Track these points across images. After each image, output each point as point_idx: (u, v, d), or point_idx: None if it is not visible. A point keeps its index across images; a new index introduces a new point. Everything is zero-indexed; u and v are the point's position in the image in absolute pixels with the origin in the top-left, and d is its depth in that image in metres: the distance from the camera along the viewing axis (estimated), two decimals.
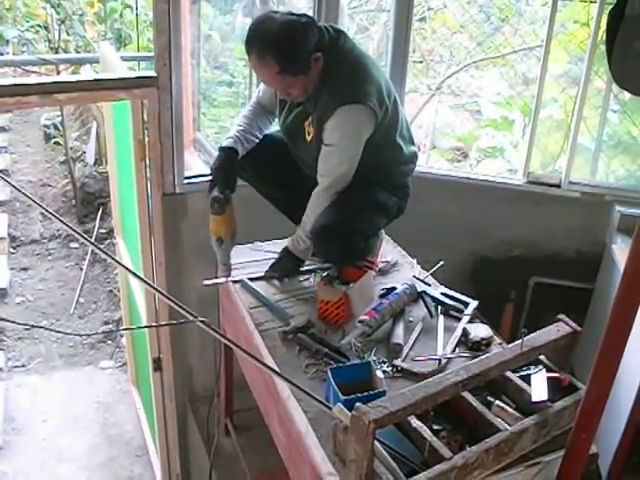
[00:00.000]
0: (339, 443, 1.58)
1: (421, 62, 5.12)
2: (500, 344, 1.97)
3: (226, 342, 1.57)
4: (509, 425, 1.58)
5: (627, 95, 2.99)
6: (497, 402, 1.67)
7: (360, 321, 1.97)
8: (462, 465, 1.46)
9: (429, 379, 1.53)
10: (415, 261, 2.39)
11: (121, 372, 4.35)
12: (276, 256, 2.31)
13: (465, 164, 4.54)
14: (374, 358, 1.91)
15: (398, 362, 1.89)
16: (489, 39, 5.13)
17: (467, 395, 1.65)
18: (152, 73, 2.49)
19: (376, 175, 2.17)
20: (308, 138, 2.13)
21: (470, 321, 2.06)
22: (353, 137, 2.05)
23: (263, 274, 2.29)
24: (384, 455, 1.51)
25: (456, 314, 2.09)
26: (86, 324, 4.76)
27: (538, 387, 1.66)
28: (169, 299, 1.49)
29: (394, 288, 2.11)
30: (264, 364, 1.64)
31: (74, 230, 1.46)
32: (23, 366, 4.39)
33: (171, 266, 2.76)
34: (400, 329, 2.01)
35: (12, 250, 5.49)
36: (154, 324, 2.75)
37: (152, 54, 2.56)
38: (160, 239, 2.69)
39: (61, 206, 5.93)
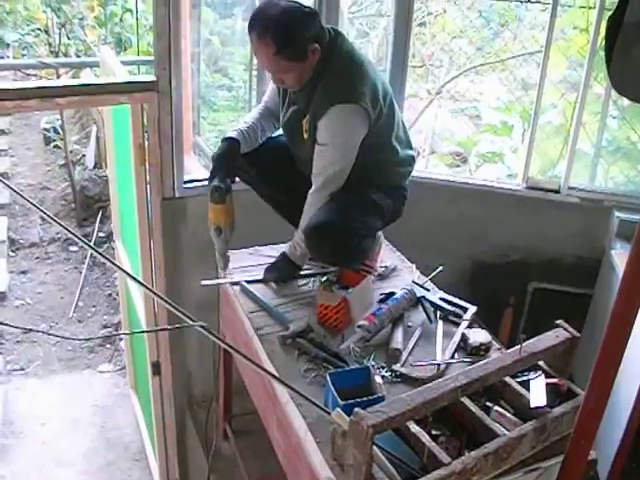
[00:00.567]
0: (338, 448, 1.58)
1: (421, 67, 5.13)
2: (499, 349, 1.97)
3: (225, 347, 1.57)
4: (508, 430, 1.58)
5: (626, 101, 3.00)
6: (496, 407, 1.67)
7: (359, 326, 1.97)
8: (461, 470, 1.46)
9: (428, 384, 1.53)
10: (414, 266, 2.39)
11: (120, 376, 4.34)
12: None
13: (464, 169, 4.54)
14: (373, 363, 1.91)
15: (397, 367, 1.89)
16: (489, 44, 5.14)
17: (466, 400, 1.65)
18: (152, 77, 2.50)
19: (371, 176, 2.18)
20: (305, 136, 2.14)
21: (469, 326, 2.06)
22: (346, 136, 2.06)
23: (261, 277, 2.29)
24: (383, 460, 1.51)
25: (455, 319, 2.10)
26: (85, 328, 4.75)
27: (537, 393, 1.66)
28: (168, 303, 1.50)
29: (393, 293, 2.11)
30: (263, 369, 1.64)
31: (73, 234, 1.46)
32: (22, 369, 4.39)
33: (170, 270, 2.76)
34: (399, 334, 2.01)
35: (11, 253, 5.49)
36: (153, 329, 2.74)
37: (152, 58, 2.57)
38: (159, 243, 2.69)
39: (60, 209, 5.93)
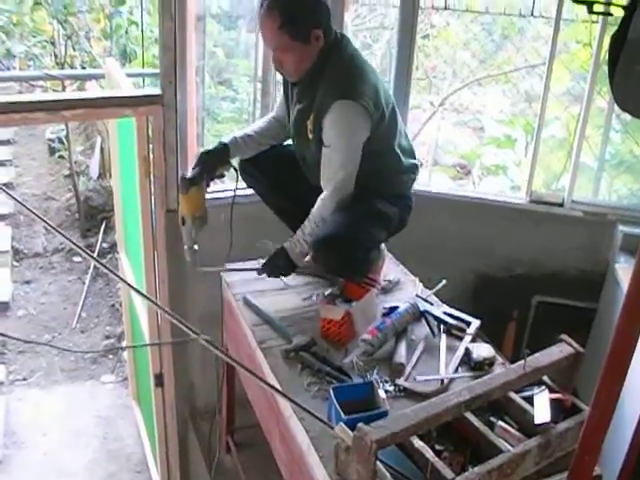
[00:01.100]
0: (341, 463, 1.58)
1: (424, 79, 5.15)
2: (503, 364, 1.97)
3: (229, 360, 1.57)
4: (512, 446, 1.58)
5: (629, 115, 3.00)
6: (500, 423, 1.67)
7: (363, 340, 1.97)
8: None
9: (432, 399, 1.53)
10: (417, 279, 2.39)
11: (122, 387, 4.33)
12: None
13: (468, 181, 4.55)
14: (376, 377, 1.91)
15: (400, 381, 1.89)
16: (491, 57, 5.16)
17: (470, 416, 1.65)
18: (157, 91, 2.51)
19: (376, 184, 2.20)
20: (310, 136, 2.16)
21: (473, 340, 2.06)
22: (349, 136, 2.08)
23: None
24: (386, 475, 1.51)
25: (458, 333, 2.09)
26: (88, 338, 4.75)
27: (541, 408, 1.65)
28: (171, 316, 1.50)
29: (396, 307, 2.11)
30: (266, 382, 1.64)
31: (76, 245, 1.46)
32: (24, 380, 4.38)
33: (174, 282, 2.76)
34: (402, 348, 2.00)
35: (15, 263, 5.50)
36: (156, 342, 2.74)
37: (157, 70, 2.59)
38: (163, 255, 2.69)
39: (64, 220, 5.95)
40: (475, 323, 2.13)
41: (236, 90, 4.70)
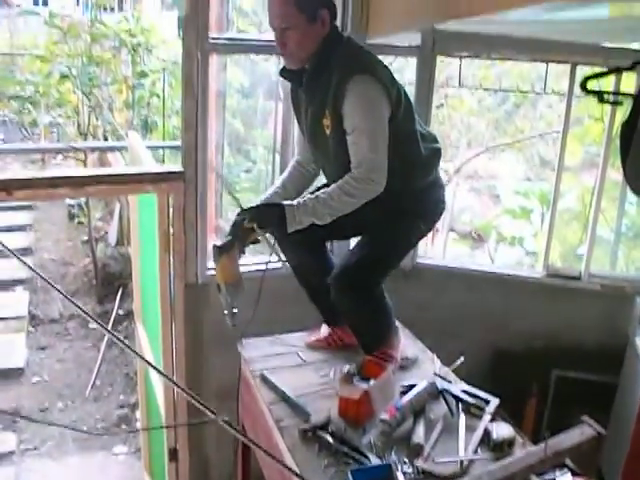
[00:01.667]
0: None
1: None
2: (523, 444, 1.93)
3: (246, 442, 1.55)
4: None
5: None
6: None
7: (381, 420, 1.95)
8: None
9: None
10: (435, 356, 2.37)
11: (135, 458, 4.27)
12: (297, 350, 2.31)
13: (483, 250, 4.56)
14: (395, 458, 1.87)
15: (419, 463, 1.85)
16: (504, 123, 5.25)
17: None
18: (179, 168, 2.57)
19: (404, 184, 2.14)
20: (327, 132, 2.10)
21: (492, 420, 2.03)
22: (373, 115, 2.01)
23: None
24: None
25: (477, 412, 2.06)
26: (101, 407, 4.71)
27: None
28: (189, 394, 1.49)
29: (414, 385, 2.09)
30: (283, 464, 1.62)
31: (89, 315, 1.45)
32: (35, 449, 4.33)
33: (191, 356, 2.76)
34: (421, 428, 1.97)
35: (31, 329, 5.52)
36: (172, 424, 2.71)
37: (177, 143, 2.65)
38: (181, 329, 2.70)
39: (82, 285, 6.00)
40: (494, 401, 2.09)
41: (254, 160, 4.80)
